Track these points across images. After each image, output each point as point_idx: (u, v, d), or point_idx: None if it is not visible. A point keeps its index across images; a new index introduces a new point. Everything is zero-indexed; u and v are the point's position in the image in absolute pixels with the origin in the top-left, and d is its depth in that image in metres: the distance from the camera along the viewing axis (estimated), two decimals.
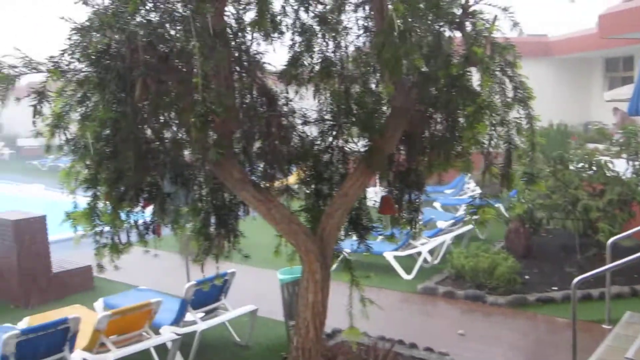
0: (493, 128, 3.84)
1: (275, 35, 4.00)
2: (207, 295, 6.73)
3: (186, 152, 4.03)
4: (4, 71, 3.32)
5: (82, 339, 5.71)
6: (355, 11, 4.28)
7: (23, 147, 34.27)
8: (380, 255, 9.30)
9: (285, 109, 4.24)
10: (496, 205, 6.36)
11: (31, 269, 8.66)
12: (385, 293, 8.61)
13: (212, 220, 4.51)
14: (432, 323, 7.75)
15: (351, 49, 4.37)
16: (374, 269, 8.82)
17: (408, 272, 9.34)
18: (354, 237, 4.85)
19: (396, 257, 9.47)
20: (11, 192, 20.81)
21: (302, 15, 4.18)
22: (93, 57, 3.20)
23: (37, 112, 3.38)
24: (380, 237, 5.60)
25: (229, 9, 3.89)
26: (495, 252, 8.90)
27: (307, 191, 4.58)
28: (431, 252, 9.80)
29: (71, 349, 5.61)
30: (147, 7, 3.30)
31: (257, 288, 8.73)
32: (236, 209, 4.53)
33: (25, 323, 6.54)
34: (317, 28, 4.22)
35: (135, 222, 4.22)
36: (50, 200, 17.87)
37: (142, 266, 8.17)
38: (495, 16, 3.57)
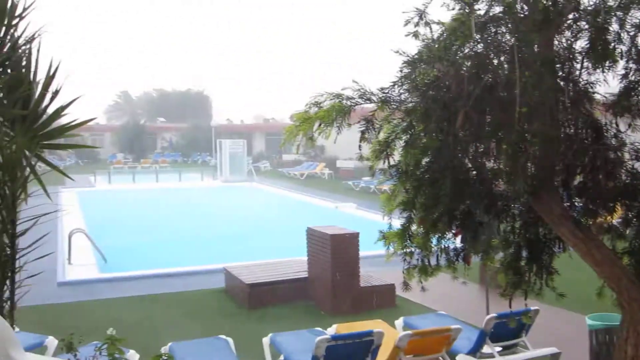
0: None
1: (608, 63, 3.72)
2: (508, 330, 6.51)
3: (502, 183, 3.98)
4: (343, 102, 3.69)
5: (382, 353, 5.97)
6: None
7: (341, 169, 37.61)
8: None
9: (613, 141, 3.91)
10: None
11: (342, 281, 9.41)
12: None
13: (524, 254, 4.36)
14: None
15: None
16: None
17: None
18: None
19: None
20: (328, 208, 22.96)
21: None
22: (421, 88, 3.37)
23: (364, 138, 3.67)
24: None
25: (558, 38, 3.75)
26: None
27: (633, 232, 4.14)
28: None
29: None
30: (475, 39, 3.36)
31: (560, 330, 8.18)
32: (551, 245, 4.31)
33: (333, 330, 7.11)
34: None
35: (446, 247, 4.30)
36: (360, 218, 19.32)
37: (441, 291, 8.25)
38: None
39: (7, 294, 4.23)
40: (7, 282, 4.21)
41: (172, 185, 33.91)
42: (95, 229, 15.78)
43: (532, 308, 6.44)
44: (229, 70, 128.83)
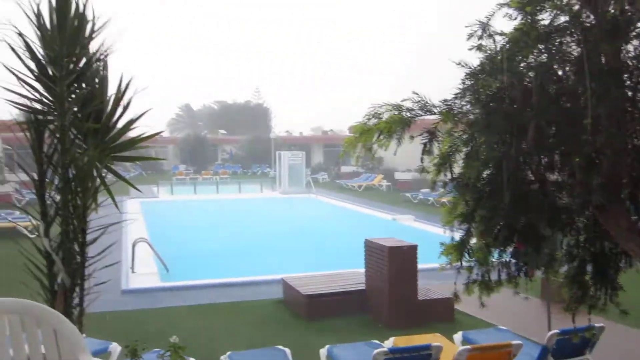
0: None
1: None
2: (571, 347, 6.30)
3: (566, 196, 3.88)
4: (402, 114, 3.69)
5: None
6: None
7: (399, 180, 37.43)
8: None
9: None
10: None
11: (400, 294, 9.32)
12: None
13: (588, 268, 4.23)
14: None
15: None
16: None
17: None
18: None
19: None
20: (386, 219, 22.85)
21: None
22: (483, 100, 3.34)
23: (426, 151, 3.66)
24: None
25: (626, 47, 3.64)
26: None
27: None
28: None
29: None
30: (539, 49, 3.31)
31: (626, 348, 7.86)
32: (617, 259, 4.17)
33: (390, 343, 7.05)
34: None
35: (507, 261, 4.22)
36: (419, 230, 19.14)
37: (501, 305, 8.10)
38: None
39: (76, 301, 4.40)
40: (77, 289, 4.39)
41: (232, 196, 34.45)
42: (157, 238, 16.19)
43: (596, 325, 6.24)
44: (289, 83, 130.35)
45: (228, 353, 6.62)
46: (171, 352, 3.87)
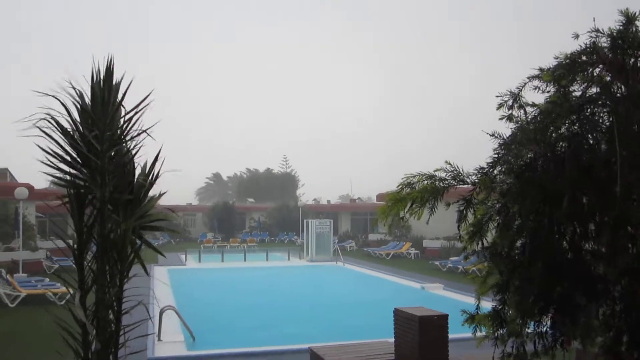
0: None
1: None
2: None
3: (601, 265, 3.84)
4: (435, 183, 3.74)
5: None
6: None
7: (427, 248, 37.06)
8: None
9: None
10: None
11: None
12: None
13: (624, 338, 4.13)
14: None
15: None
16: None
17: None
18: None
19: None
20: (415, 288, 22.52)
21: None
22: (516, 170, 3.38)
23: (462, 218, 3.68)
24: None
25: None
26: None
27: None
28: None
29: None
30: (571, 119, 3.36)
31: None
32: None
33: None
34: None
35: (544, 332, 4.14)
36: (448, 299, 18.79)
37: None
38: None
39: None
40: (111, 357, 4.40)
41: (260, 264, 34.38)
42: (184, 306, 16.15)
43: None
44: (317, 152, 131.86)
45: None
46: None
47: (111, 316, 4.44)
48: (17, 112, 4.41)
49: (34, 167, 4.70)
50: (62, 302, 16.16)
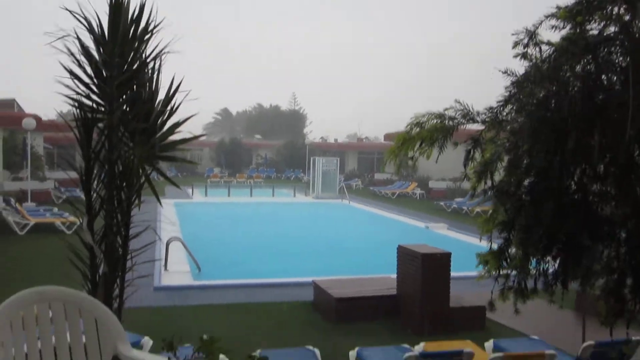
0: None
1: None
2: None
3: (609, 207, 3.84)
4: (445, 122, 3.70)
5: None
6: None
7: (432, 189, 37.18)
8: None
9: None
10: None
11: (432, 301, 9.28)
12: None
13: (628, 281, 4.17)
14: None
15: None
16: None
17: None
18: None
19: None
20: (419, 227, 22.73)
21: None
22: (528, 108, 3.33)
23: (470, 158, 3.66)
24: None
25: None
26: None
27: None
28: None
29: None
30: (587, 59, 3.29)
31: None
32: None
33: (421, 348, 7.01)
34: None
35: (545, 270, 4.18)
36: (451, 239, 19.00)
37: (534, 316, 8.03)
38: None
39: (116, 292, 4.51)
40: (117, 280, 4.50)
41: (265, 199, 34.67)
42: (190, 238, 16.39)
43: (634, 338, 6.12)
44: (325, 90, 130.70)
45: (257, 351, 6.67)
46: (207, 345, 3.90)
47: (119, 241, 4.52)
48: (26, 38, 4.35)
49: (42, 99, 4.68)
50: (71, 231, 16.43)
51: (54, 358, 3.32)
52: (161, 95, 4.78)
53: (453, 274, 9.55)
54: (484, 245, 4.52)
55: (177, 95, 4.76)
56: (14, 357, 3.15)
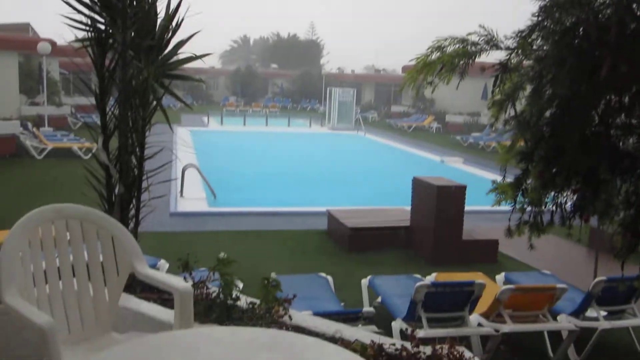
0: None
1: None
2: (616, 295, 6.23)
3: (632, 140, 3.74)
4: (467, 48, 3.57)
5: (482, 305, 5.90)
6: None
7: (449, 123, 36.86)
8: None
9: None
10: None
11: (445, 232, 9.34)
12: None
13: None
14: None
15: None
16: None
17: None
18: None
19: None
20: (434, 161, 22.66)
21: None
22: (555, 35, 3.20)
23: (498, 84, 3.54)
24: None
25: None
26: None
27: None
28: None
29: (470, 311, 5.85)
30: None
31: None
32: None
33: (432, 278, 7.11)
34: None
35: (562, 204, 4.13)
36: (467, 173, 18.95)
37: (546, 251, 8.07)
38: None
39: (132, 212, 4.55)
40: (134, 200, 4.52)
41: (281, 129, 34.61)
42: (206, 165, 16.48)
43: None
44: (344, 20, 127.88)
45: (272, 274, 6.78)
46: (221, 266, 3.94)
47: (134, 162, 4.52)
48: None
49: (56, 24, 4.59)
50: (88, 157, 16.57)
51: (72, 274, 3.37)
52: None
53: (467, 207, 9.56)
54: (500, 179, 4.47)
55: (180, 12, 4.64)
56: (33, 272, 3.20)
